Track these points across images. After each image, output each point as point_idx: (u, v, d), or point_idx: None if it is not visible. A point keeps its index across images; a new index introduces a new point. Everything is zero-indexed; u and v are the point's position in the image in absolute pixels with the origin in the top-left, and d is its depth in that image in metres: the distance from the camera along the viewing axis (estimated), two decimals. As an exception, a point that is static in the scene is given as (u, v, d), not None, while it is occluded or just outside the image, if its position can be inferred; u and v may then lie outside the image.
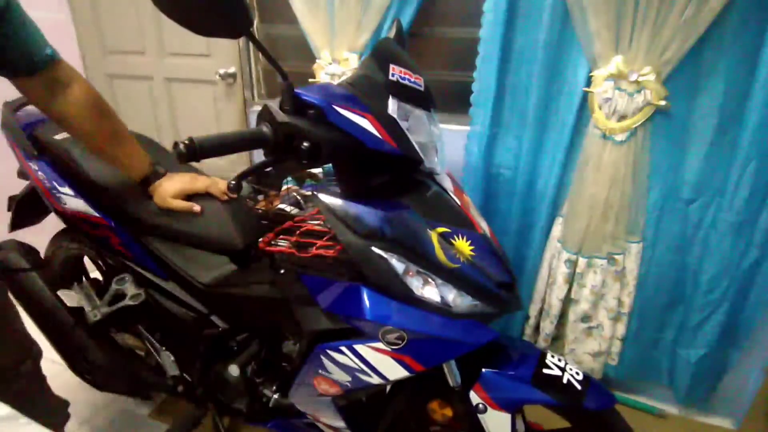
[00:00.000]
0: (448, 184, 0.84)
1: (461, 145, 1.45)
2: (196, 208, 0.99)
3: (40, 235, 1.32)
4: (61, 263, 1.31)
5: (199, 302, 1.05)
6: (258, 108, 0.75)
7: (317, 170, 0.95)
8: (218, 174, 1.09)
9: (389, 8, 1.39)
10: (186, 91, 1.99)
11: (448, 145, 0.90)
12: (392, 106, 0.74)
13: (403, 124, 0.75)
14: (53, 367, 1.21)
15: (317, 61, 1.55)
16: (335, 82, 1.20)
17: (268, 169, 0.74)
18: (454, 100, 1.48)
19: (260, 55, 0.68)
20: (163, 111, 2.08)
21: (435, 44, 1.56)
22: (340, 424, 0.95)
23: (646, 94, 1.17)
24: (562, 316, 1.50)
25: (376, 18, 1.41)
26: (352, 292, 0.77)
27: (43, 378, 1.11)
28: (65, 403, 1.16)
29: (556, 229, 1.43)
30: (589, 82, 1.25)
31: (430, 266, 0.74)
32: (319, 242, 0.84)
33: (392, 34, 0.87)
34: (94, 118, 0.92)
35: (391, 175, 0.79)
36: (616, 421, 0.81)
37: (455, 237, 0.75)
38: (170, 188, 0.99)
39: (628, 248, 1.36)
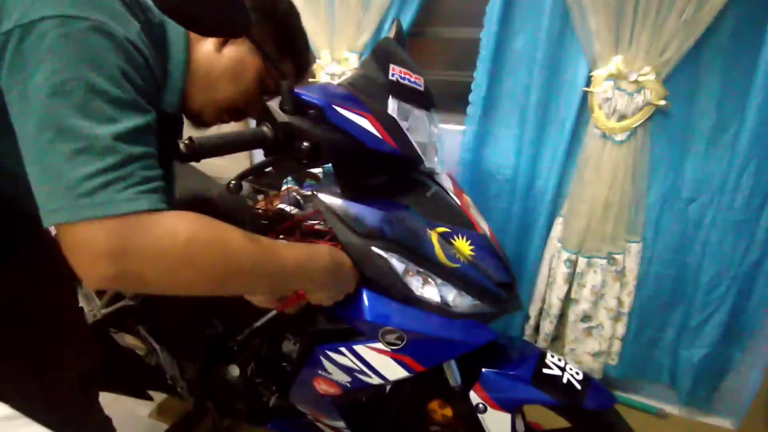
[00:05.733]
0: (448, 184, 0.84)
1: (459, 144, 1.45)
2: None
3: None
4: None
5: (198, 302, 1.05)
6: (258, 108, 0.75)
7: (317, 170, 0.95)
8: (218, 174, 1.08)
9: (389, 8, 1.39)
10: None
11: (448, 144, 0.90)
12: (392, 106, 0.74)
13: (403, 124, 0.75)
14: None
15: (317, 61, 1.55)
16: (335, 82, 1.20)
17: (268, 169, 0.74)
18: (454, 100, 1.48)
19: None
20: (163, 111, 2.08)
21: (435, 44, 1.56)
22: (340, 424, 0.95)
23: (646, 93, 1.17)
24: (562, 316, 1.50)
25: (376, 18, 1.41)
26: (351, 293, 0.77)
27: None
28: None
29: (556, 229, 1.43)
30: (589, 81, 1.25)
31: (430, 266, 0.74)
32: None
33: (392, 34, 0.87)
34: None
35: (390, 175, 0.79)
36: (616, 421, 0.81)
37: (455, 237, 0.75)
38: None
39: (627, 248, 1.36)
